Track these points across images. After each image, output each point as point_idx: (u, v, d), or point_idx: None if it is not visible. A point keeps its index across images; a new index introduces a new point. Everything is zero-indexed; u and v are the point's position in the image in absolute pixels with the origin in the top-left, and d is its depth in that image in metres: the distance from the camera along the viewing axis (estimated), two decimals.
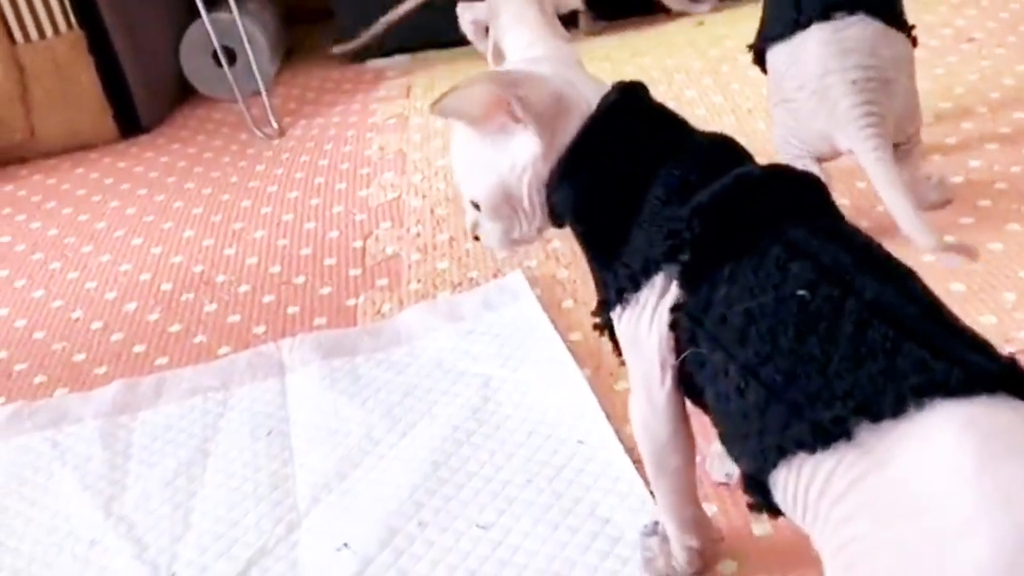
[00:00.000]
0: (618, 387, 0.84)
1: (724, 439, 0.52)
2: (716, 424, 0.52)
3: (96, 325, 1.14)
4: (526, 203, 0.60)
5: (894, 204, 0.83)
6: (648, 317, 0.54)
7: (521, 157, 0.58)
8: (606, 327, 0.59)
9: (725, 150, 0.56)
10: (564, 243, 1.09)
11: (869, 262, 0.48)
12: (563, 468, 0.76)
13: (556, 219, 0.60)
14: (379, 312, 1.05)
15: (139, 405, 0.93)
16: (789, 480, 0.45)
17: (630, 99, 0.58)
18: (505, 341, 0.93)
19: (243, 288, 1.16)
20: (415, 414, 0.86)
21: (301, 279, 1.15)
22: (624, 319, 0.56)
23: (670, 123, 0.58)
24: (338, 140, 1.50)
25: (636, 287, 0.54)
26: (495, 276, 1.06)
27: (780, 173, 0.54)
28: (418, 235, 1.18)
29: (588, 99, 0.58)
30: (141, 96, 1.64)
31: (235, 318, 1.10)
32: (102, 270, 1.27)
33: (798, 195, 0.53)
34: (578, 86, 0.59)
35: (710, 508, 0.69)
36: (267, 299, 1.13)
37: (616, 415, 0.80)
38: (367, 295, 1.09)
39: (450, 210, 1.22)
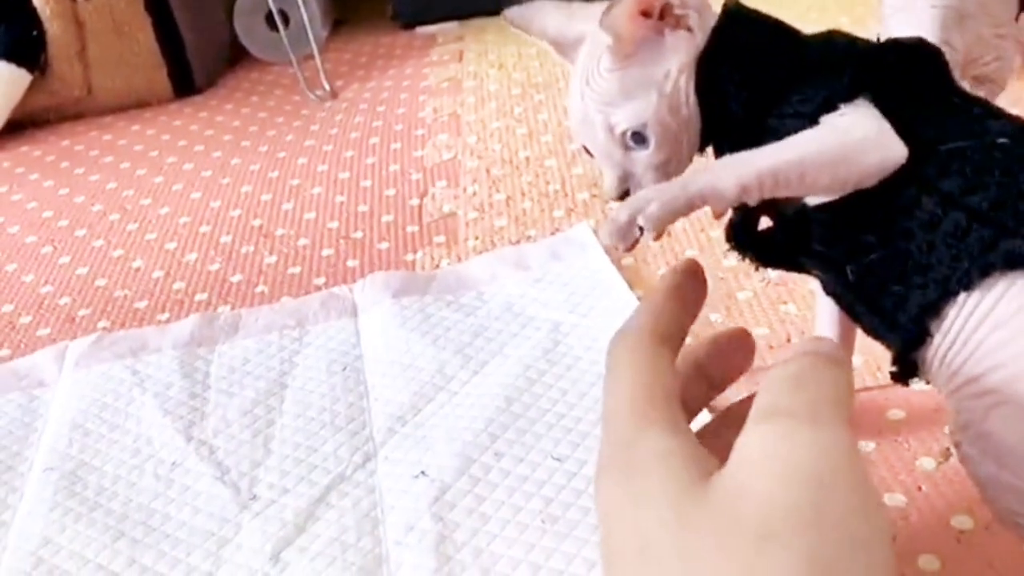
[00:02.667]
0: None
1: (870, 288, 0.51)
2: (863, 276, 0.51)
3: (157, 274, 1.17)
4: (685, 111, 0.56)
5: None
6: None
7: (675, 60, 0.55)
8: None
9: (848, 36, 0.56)
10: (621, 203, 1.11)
11: None
12: None
13: (707, 117, 0.56)
14: (437, 267, 1.07)
15: (216, 339, 0.96)
16: (958, 314, 0.47)
17: None
18: (574, 289, 0.95)
19: (302, 242, 1.18)
20: (486, 353, 0.89)
21: (359, 234, 1.18)
22: None
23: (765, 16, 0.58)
24: (391, 102, 1.52)
25: (816, 115, 0.51)
26: (553, 234, 1.08)
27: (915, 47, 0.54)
28: (474, 194, 1.21)
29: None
30: (196, 56, 1.67)
31: (295, 270, 1.12)
32: (161, 222, 1.29)
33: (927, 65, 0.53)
34: None
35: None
36: (326, 252, 1.15)
37: None
38: (425, 251, 1.11)
39: (506, 171, 1.24)
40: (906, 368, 0.51)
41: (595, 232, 1.04)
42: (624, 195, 0.60)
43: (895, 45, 0.53)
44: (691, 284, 0.50)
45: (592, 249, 1.01)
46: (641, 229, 0.47)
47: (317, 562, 0.70)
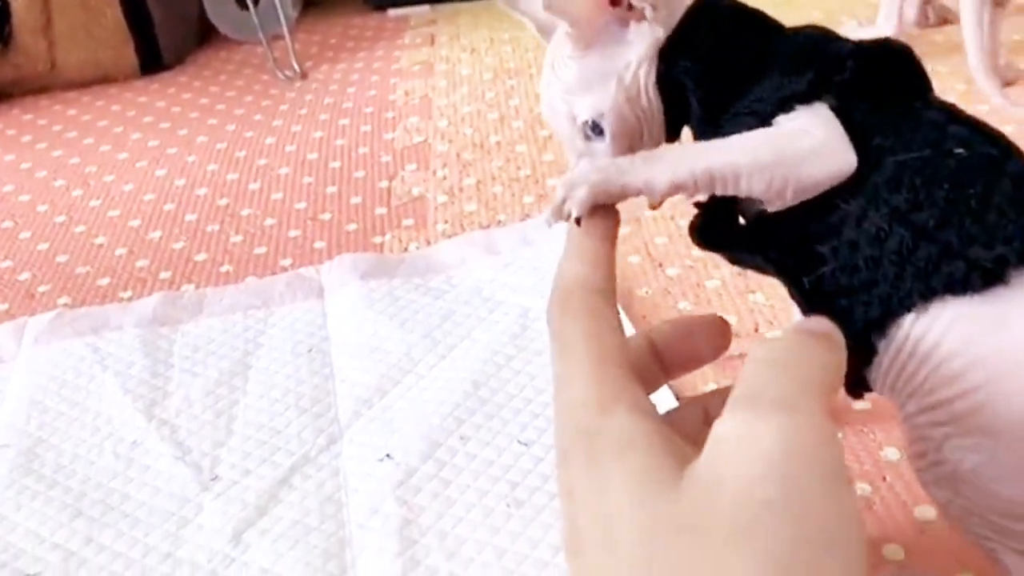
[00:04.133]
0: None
1: (822, 298, 0.49)
2: (816, 285, 0.49)
3: (120, 251, 1.15)
4: (644, 101, 0.54)
5: (969, 35, 0.92)
6: None
7: (638, 50, 0.54)
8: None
9: (824, 31, 0.55)
10: None
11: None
12: None
13: (670, 110, 0.55)
14: (406, 250, 1.07)
15: (179, 318, 0.95)
16: (906, 337, 0.45)
17: None
18: (544, 275, 0.94)
19: (269, 222, 1.17)
20: (454, 338, 0.88)
21: (327, 216, 1.17)
22: None
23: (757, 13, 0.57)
24: (362, 84, 1.51)
25: (770, 115, 0.50)
26: (523, 220, 1.07)
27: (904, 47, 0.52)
28: (444, 178, 1.20)
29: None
30: (164, 33, 1.64)
31: (261, 250, 1.11)
32: (125, 198, 1.27)
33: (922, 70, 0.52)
34: None
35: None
36: (293, 233, 1.14)
37: None
38: (394, 234, 1.10)
39: (476, 155, 1.23)
40: (856, 383, 0.50)
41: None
42: None
43: (863, 46, 0.51)
44: (605, 214, 0.47)
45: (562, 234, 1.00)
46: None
47: (279, 544, 0.69)
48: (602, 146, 0.55)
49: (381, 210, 1.16)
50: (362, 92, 1.48)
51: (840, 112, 0.48)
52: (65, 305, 1.03)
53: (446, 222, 1.10)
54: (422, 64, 1.55)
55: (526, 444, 0.74)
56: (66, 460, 0.79)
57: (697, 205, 0.54)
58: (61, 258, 1.15)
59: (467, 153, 1.24)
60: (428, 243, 1.07)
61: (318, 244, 1.11)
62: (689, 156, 0.48)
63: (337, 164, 1.28)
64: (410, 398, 0.82)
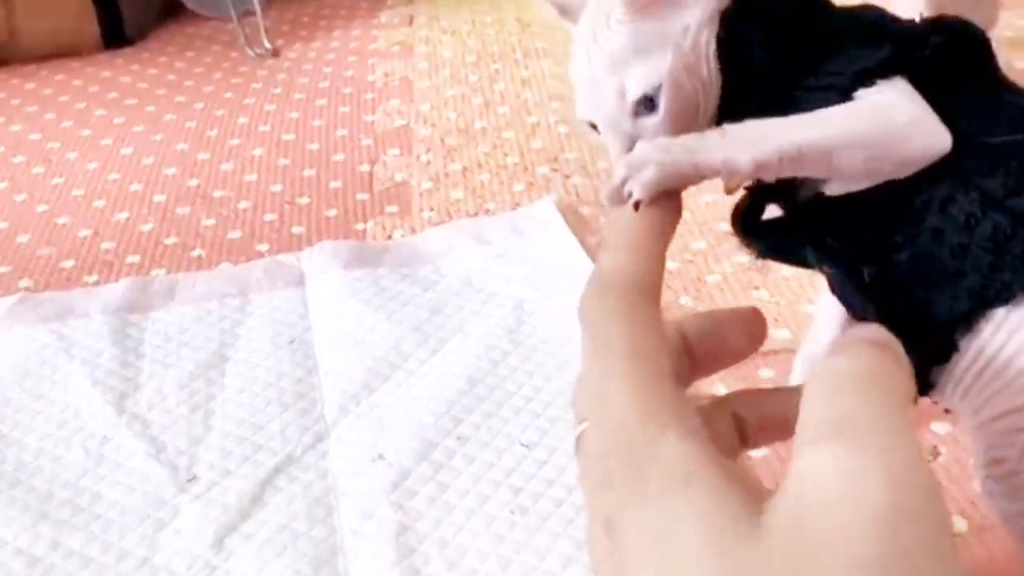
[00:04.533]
0: None
1: (887, 290, 0.45)
2: (882, 276, 0.45)
3: (84, 232, 1.09)
4: (704, 71, 0.48)
5: None
6: None
7: (696, 12, 0.48)
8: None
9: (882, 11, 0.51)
10: (585, 180, 1.07)
11: None
12: None
13: (729, 82, 0.49)
14: (390, 238, 1.02)
15: (150, 305, 0.89)
16: (995, 332, 0.42)
17: None
18: (537, 266, 0.90)
19: (243, 204, 1.11)
20: (446, 331, 0.84)
21: (305, 200, 1.11)
22: None
23: None
24: (338, 64, 1.45)
25: (851, 89, 0.46)
26: (513, 209, 1.03)
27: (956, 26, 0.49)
28: (428, 163, 1.15)
29: None
30: (128, 6, 1.57)
31: (236, 234, 1.06)
32: (89, 177, 1.21)
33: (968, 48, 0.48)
34: None
35: None
36: (269, 217, 1.08)
37: None
38: (376, 220, 1.05)
39: (461, 141, 1.19)
40: (919, 386, 0.46)
41: (558, 209, 0.99)
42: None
43: (940, 25, 0.48)
44: (665, 202, 0.40)
45: (555, 226, 0.96)
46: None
47: (265, 550, 0.65)
48: (654, 124, 0.48)
49: (363, 196, 1.11)
50: (339, 72, 1.43)
51: (921, 89, 0.44)
52: (27, 289, 0.97)
53: (432, 209, 1.06)
54: (401, 45, 1.50)
55: (528, 446, 0.70)
56: (30, 457, 0.73)
57: (747, 188, 0.48)
58: (22, 238, 1.09)
59: (451, 138, 1.19)
60: (413, 231, 1.02)
61: (296, 229, 1.06)
62: (772, 132, 0.43)
63: (315, 146, 1.23)
64: (400, 395, 0.78)
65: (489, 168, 1.11)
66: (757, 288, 0.86)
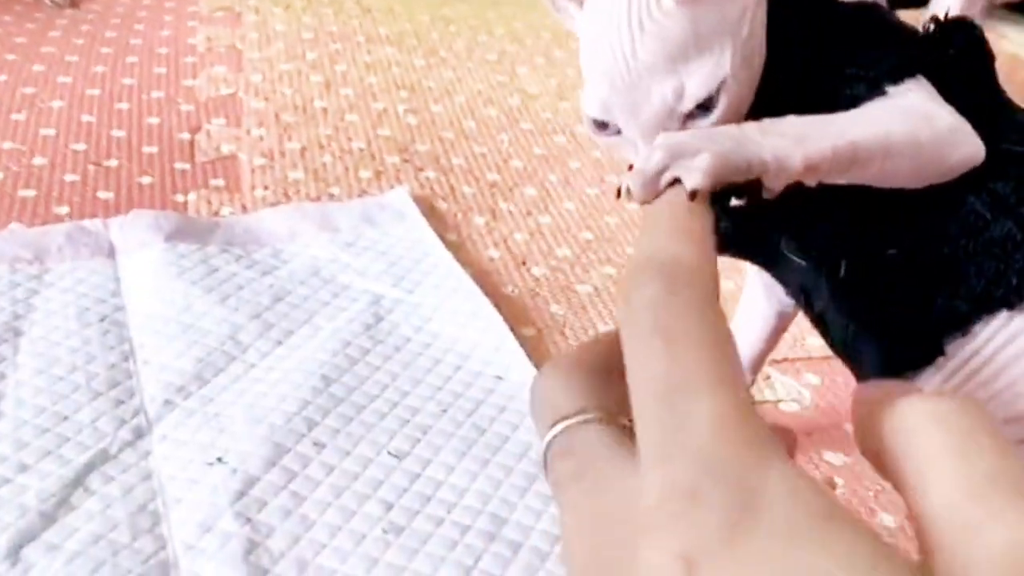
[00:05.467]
0: (524, 331, 0.76)
1: (875, 290, 0.42)
2: (863, 272, 0.42)
3: None
4: (757, 60, 0.42)
5: None
6: None
7: None
8: None
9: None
10: (439, 174, 1.00)
11: None
12: (481, 403, 0.67)
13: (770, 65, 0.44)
14: (217, 214, 0.91)
15: None
16: (992, 336, 0.40)
17: None
18: (395, 260, 0.82)
19: (38, 161, 0.96)
20: (291, 322, 0.74)
21: (114, 162, 0.98)
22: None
23: None
24: (152, 23, 1.31)
25: (898, 80, 0.42)
26: (361, 196, 0.94)
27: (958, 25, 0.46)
28: (261, 139, 1.04)
29: None
30: None
31: (29, 192, 0.91)
32: None
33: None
34: None
35: None
36: (70, 178, 0.94)
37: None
38: (199, 193, 0.94)
39: (299, 118, 1.08)
40: None
41: (413, 200, 0.91)
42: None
43: (952, 27, 0.45)
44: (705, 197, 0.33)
45: (412, 219, 0.88)
46: (674, 182, 0.33)
47: (75, 565, 0.53)
48: (706, 124, 0.40)
49: (183, 165, 0.98)
50: (153, 31, 1.28)
51: (941, 90, 0.41)
52: None
53: (266, 188, 0.95)
54: (225, 11, 1.37)
55: (397, 456, 0.62)
56: None
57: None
58: None
59: (288, 115, 1.09)
60: (245, 209, 0.91)
61: (103, 194, 0.92)
62: (826, 129, 0.38)
63: (125, 105, 1.09)
64: (239, 389, 0.67)
65: (332, 151, 1.02)
66: None
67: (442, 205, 0.94)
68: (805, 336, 0.73)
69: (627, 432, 0.24)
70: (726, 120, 0.40)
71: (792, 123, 0.37)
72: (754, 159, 0.35)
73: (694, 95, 0.39)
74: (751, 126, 0.37)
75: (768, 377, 0.73)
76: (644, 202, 0.33)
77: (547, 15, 1.38)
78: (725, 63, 0.40)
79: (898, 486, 0.23)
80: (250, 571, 0.53)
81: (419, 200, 0.92)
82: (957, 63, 0.43)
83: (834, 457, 0.64)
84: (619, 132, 0.41)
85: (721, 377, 0.23)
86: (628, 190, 0.33)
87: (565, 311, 0.79)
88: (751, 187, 0.38)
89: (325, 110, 1.10)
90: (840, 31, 0.44)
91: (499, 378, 0.69)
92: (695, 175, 0.32)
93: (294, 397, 0.66)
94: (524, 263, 0.86)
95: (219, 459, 0.60)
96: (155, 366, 0.69)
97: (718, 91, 0.40)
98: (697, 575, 0.20)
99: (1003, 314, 0.40)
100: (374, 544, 0.55)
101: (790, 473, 0.22)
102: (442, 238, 0.86)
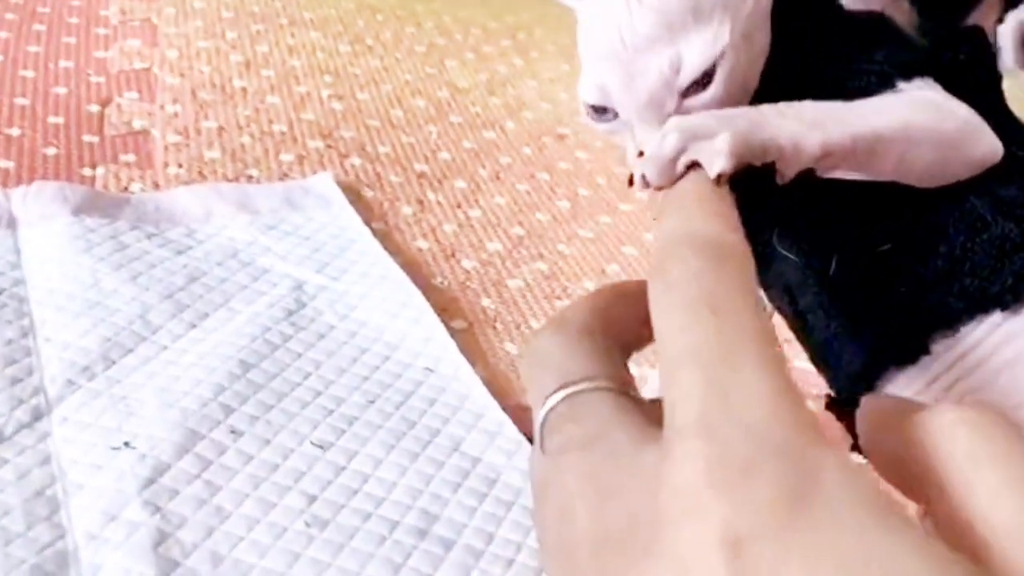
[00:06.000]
0: (454, 324, 0.73)
1: (866, 287, 0.41)
2: (852, 268, 0.41)
3: None
4: (760, 39, 0.41)
5: None
6: None
7: None
8: None
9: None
10: (364, 162, 0.96)
11: None
12: (411, 395, 0.64)
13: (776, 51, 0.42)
14: (126, 190, 0.86)
15: None
16: (985, 337, 0.39)
17: None
18: (319, 246, 0.78)
19: None
20: (206, 304, 0.69)
21: (16, 131, 0.92)
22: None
23: None
24: None
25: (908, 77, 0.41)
26: (282, 180, 0.90)
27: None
28: (176, 115, 0.99)
29: None
30: None
31: None
32: None
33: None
34: None
35: None
36: None
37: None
38: (109, 168, 0.88)
39: (217, 97, 1.03)
40: (866, 387, 0.42)
41: (339, 187, 0.88)
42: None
43: (967, 29, 0.45)
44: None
45: (338, 205, 0.85)
46: (691, 165, 0.30)
47: None
48: (705, 103, 0.39)
49: (91, 138, 0.93)
50: (63, 0, 1.21)
51: (951, 92, 0.41)
52: None
53: (180, 166, 0.90)
54: None
55: (321, 447, 0.58)
56: None
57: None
58: None
59: (204, 92, 1.04)
60: (157, 186, 0.86)
61: (3, 163, 0.86)
62: (841, 115, 0.36)
63: (30, 73, 1.02)
64: (150, 372, 0.63)
65: (251, 132, 0.97)
66: (559, 298, 0.79)
67: (368, 193, 0.90)
68: None
69: (638, 404, 0.22)
70: (727, 101, 0.39)
71: (810, 107, 0.36)
72: (770, 142, 0.33)
73: (692, 66, 0.38)
74: (767, 108, 0.35)
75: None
76: (660, 188, 0.31)
77: (477, 11, 1.36)
78: (724, 34, 0.38)
79: (924, 490, 0.22)
80: (159, 563, 0.49)
81: (344, 187, 0.89)
82: (965, 69, 0.42)
83: None
84: (617, 116, 0.40)
85: (771, 355, 0.21)
86: (643, 178, 0.31)
87: (496, 305, 0.77)
88: (764, 172, 0.36)
89: (245, 90, 1.05)
90: (849, 29, 0.43)
91: (429, 370, 0.66)
92: (718, 158, 0.30)
93: (209, 382, 0.62)
94: (453, 255, 0.83)
95: (126, 444, 0.56)
96: (57, 344, 0.64)
97: (715, 64, 0.38)
98: (744, 553, 0.18)
99: (996, 315, 0.39)
100: (296, 538, 0.52)
101: (845, 460, 0.20)
102: (368, 226, 0.83)
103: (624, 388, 0.23)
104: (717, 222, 0.26)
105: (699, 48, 0.38)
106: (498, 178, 0.97)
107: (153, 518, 0.51)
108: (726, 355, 0.20)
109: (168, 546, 0.50)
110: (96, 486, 0.53)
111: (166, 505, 0.52)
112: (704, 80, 0.39)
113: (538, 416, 0.22)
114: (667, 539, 0.18)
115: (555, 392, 0.22)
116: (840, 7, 0.45)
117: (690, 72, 0.38)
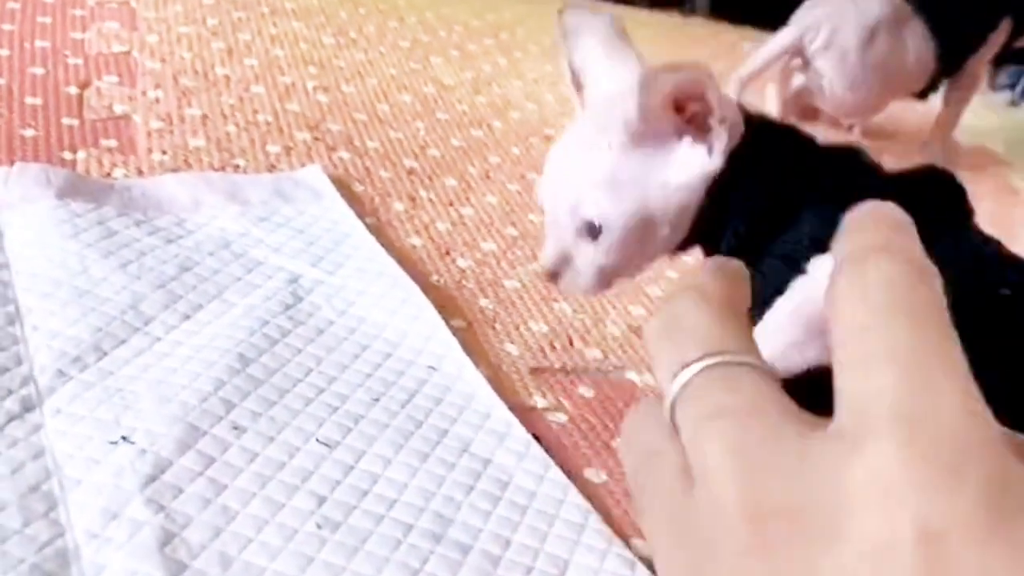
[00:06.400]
0: (454, 323, 0.72)
1: None
2: None
3: None
4: (667, 229, 0.51)
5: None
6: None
7: (683, 174, 0.50)
8: None
9: (859, 161, 0.52)
10: (353, 156, 0.94)
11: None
12: (415, 393, 0.62)
13: (702, 236, 0.52)
14: (109, 175, 0.83)
15: None
16: None
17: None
18: (313, 240, 0.76)
19: None
20: (199, 295, 0.67)
21: None
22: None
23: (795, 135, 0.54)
24: None
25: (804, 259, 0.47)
26: (270, 171, 0.88)
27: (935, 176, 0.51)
28: (157, 101, 0.96)
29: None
30: None
31: None
32: None
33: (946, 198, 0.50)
34: None
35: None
36: None
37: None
38: (90, 153, 0.86)
39: (200, 84, 1.01)
40: None
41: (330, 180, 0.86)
42: (554, 276, 0.54)
43: (905, 177, 0.49)
44: None
45: (329, 198, 0.83)
46: None
47: None
48: (589, 249, 0.51)
49: (71, 121, 0.90)
50: None
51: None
52: None
53: (164, 153, 0.88)
54: None
55: (328, 445, 0.56)
56: None
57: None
58: None
59: (187, 79, 1.01)
60: (141, 173, 0.84)
61: None
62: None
63: (5, 52, 0.99)
64: (144, 364, 0.60)
65: (236, 121, 0.95)
66: (557, 300, 0.78)
67: (358, 187, 0.88)
68: (583, 347, 0.72)
69: (783, 388, 0.22)
70: (617, 260, 0.51)
71: None
72: None
73: (583, 213, 0.50)
74: None
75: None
76: None
77: (459, 8, 1.34)
78: (621, 211, 0.49)
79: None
80: (167, 565, 0.47)
81: (334, 180, 0.87)
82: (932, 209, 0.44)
83: (593, 474, 0.61)
84: None
85: (964, 367, 0.21)
86: None
87: (495, 305, 0.75)
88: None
89: (228, 78, 1.03)
90: (798, 200, 0.49)
91: (432, 369, 0.65)
92: None
93: (208, 376, 0.59)
94: (448, 253, 0.81)
95: (124, 438, 0.54)
96: (45, 332, 0.61)
97: (603, 228, 0.50)
98: (944, 549, 0.18)
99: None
100: (307, 540, 0.50)
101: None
102: (361, 221, 0.81)
103: (770, 370, 0.22)
104: (916, 246, 0.24)
105: (594, 205, 0.50)
106: (488, 177, 0.96)
107: (157, 517, 0.49)
108: (924, 359, 0.20)
109: (175, 547, 0.48)
110: (95, 482, 0.51)
111: (170, 504, 0.50)
112: (592, 231, 0.50)
113: (678, 379, 0.22)
114: (856, 525, 0.18)
115: (700, 359, 0.22)
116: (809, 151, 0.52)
117: (580, 217, 0.50)
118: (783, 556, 0.19)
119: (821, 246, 0.44)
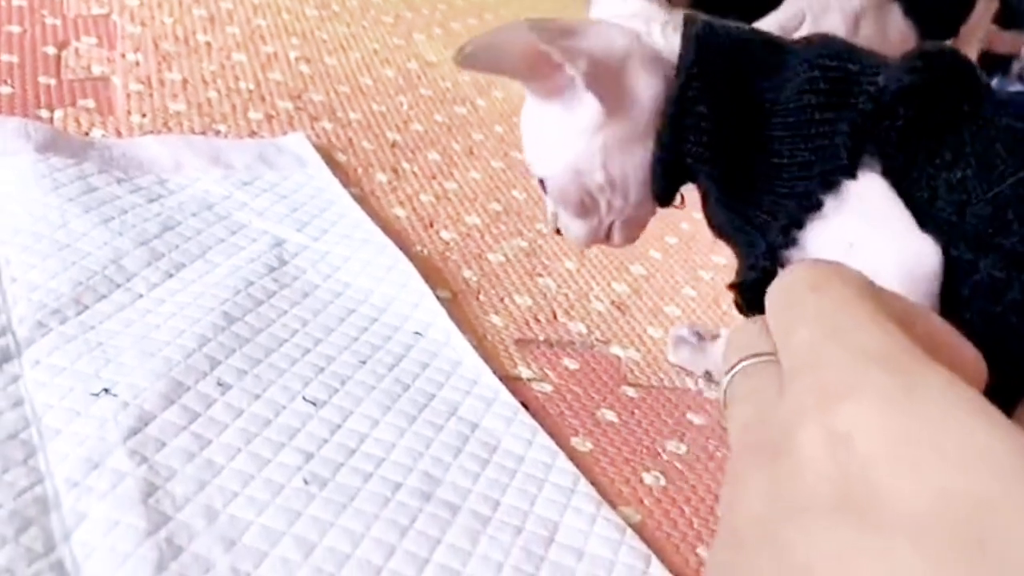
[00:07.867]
0: (439, 293, 0.71)
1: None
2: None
3: None
4: (600, 176, 0.51)
5: None
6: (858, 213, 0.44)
7: (580, 121, 0.50)
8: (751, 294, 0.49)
9: (840, 46, 0.48)
10: (335, 126, 0.93)
11: None
12: (402, 357, 0.62)
13: (681, 170, 0.50)
14: (87, 135, 0.81)
15: None
16: None
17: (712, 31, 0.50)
18: (297, 206, 0.75)
19: None
20: (182, 254, 0.66)
21: None
22: (812, 237, 0.45)
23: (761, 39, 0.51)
24: None
25: (816, 206, 0.45)
26: (252, 136, 0.87)
27: (950, 51, 0.47)
28: (137, 64, 0.94)
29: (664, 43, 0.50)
30: None
31: None
32: None
33: (970, 76, 0.45)
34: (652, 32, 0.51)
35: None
36: None
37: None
38: (67, 112, 0.84)
39: (180, 49, 0.99)
40: None
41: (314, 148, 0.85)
42: (558, 231, 0.57)
43: (916, 68, 0.44)
44: None
45: (313, 166, 0.82)
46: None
47: None
48: (550, 202, 0.55)
49: (47, 79, 0.88)
50: None
51: (892, 172, 0.42)
52: None
53: (144, 115, 0.86)
54: None
55: (314, 403, 0.56)
56: None
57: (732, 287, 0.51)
58: None
59: (167, 44, 0.99)
60: (119, 134, 0.82)
61: None
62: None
63: None
64: (126, 319, 0.59)
65: (217, 88, 0.93)
66: (541, 275, 0.77)
67: (341, 157, 0.87)
68: (567, 321, 0.72)
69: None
70: (578, 211, 0.53)
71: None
72: None
73: (533, 172, 0.55)
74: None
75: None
76: None
77: None
78: (545, 165, 0.53)
79: None
80: (149, 515, 0.46)
81: (318, 149, 0.86)
82: (907, 131, 0.44)
83: (579, 443, 0.61)
84: None
85: (887, 324, 0.25)
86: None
87: (479, 277, 0.75)
88: None
89: (209, 45, 1.01)
90: (770, 114, 0.46)
91: (419, 335, 0.64)
92: None
93: (192, 332, 0.58)
94: (432, 225, 0.81)
95: (106, 390, 0.53)
96: (24, 284, 0.59)
97: (545, 182, 0.54)
98: (850, 446, 0.22)
99: None
100: (295, 495, 0.49)
101: (947, 372, 0.23)
102: (345, 190, 0.80)
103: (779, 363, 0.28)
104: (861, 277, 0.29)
105: (536, 161, 0.54)
106: (472, 153, 0.95)
107: (140, 468, 0.48)
108: (841, 318, 0.25)
109: (158, 498, 0.47)
110: (75, 432, 0.50)
111: (153, 456, 0.49)
112: (544, 188, 0.54)
113: (724, 379, 0.29)
114: (787, 445, 0.23)
115: (740, 362, 0.28)
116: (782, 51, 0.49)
117: (535, 171, 0.55)
118: (754, 464, 0.25)
119: (831, 184, 0.44)
